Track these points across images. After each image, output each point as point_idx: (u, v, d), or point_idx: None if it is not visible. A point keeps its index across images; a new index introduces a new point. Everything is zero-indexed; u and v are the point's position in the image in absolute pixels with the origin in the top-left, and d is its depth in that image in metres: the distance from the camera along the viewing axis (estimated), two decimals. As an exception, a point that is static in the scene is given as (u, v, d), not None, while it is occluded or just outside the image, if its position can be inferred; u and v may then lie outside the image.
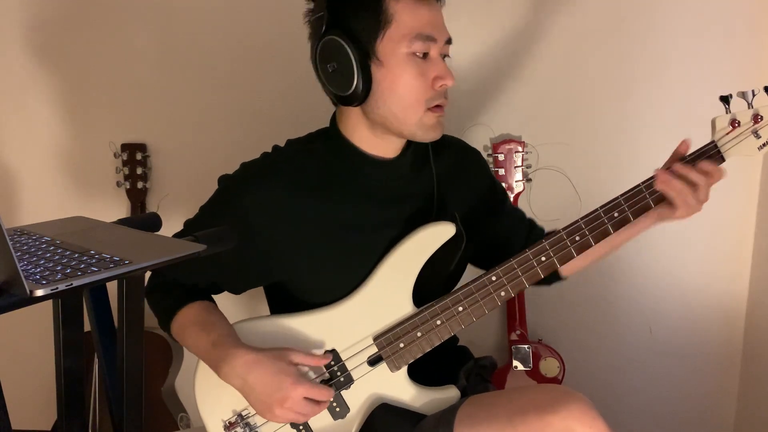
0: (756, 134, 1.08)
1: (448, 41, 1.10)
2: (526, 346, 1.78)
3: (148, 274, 1.14)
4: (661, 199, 1.09)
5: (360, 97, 1.07)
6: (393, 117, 1.09)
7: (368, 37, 1.05)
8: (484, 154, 1.78)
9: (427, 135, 1.10)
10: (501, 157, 1.77)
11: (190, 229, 1.15)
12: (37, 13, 1.87)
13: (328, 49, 1.06)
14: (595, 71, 1.79)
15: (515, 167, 1.77)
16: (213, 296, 1.21)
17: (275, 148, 1.18)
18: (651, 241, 1.84)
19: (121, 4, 1.85)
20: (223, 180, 1.16)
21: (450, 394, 1.15)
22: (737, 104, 1.09)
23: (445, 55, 1.10)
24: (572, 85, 1.80)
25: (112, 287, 0.80)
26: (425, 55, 1.07)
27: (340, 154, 1.14)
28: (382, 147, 1.14)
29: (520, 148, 1.77)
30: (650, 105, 1.78)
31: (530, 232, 1.31)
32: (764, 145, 1.08)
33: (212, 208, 1.15)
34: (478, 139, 1.82)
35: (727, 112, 1.09)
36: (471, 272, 1.20)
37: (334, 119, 1.17)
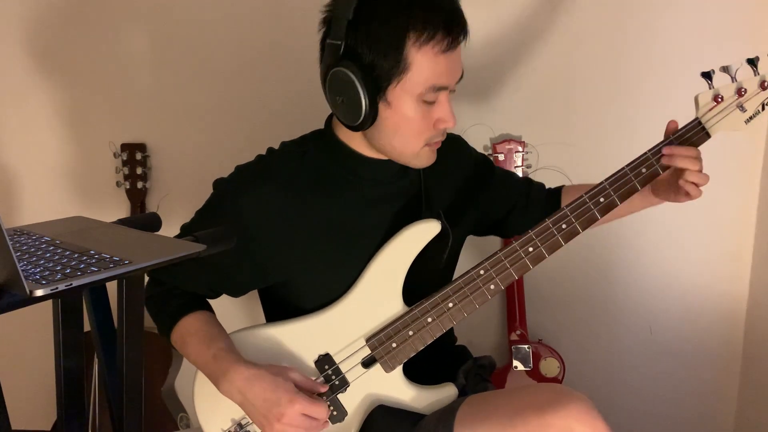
0: (741, 108, 1.06)
1: (462, 77, 1.08)
2: (526, 346, 1.78)
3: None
4: (647, 181, 1.09)
5: (364, 128, 1.07)
6: (391, 148, 1.10)
7: (382, 79, 1.02)
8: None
9: (420, 164, 1.12)
10: (501, 157, 1.77)
11: (186, 234, 1.13)
12: (37, 13, 1.87)
13: (339, 81, 1.03)
14: (596, 71, 1.79)
15: (515, 167, 1.77)
16: (211, 300, 1.21)
17: (269, 150, 1.18)
18: (651, 241, 1.84)
19: (122, 4, 1.85)
20: (218, 183, 1.16)
21: (448, 392, 1.15)
22: (720, 80, 1.07)
23: (452, 91, 1.08)
24: (572, 85, 1.80)
25: (112, 287, 0.80)
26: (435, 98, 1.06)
27: (333, 155, 1.14)
28: (376, 152, 1.14)
29: (520, 148, 1.77)
30: (650, 104, 1.78)
31: (530, 189, 1.35)
32: (751, 118, 1.06)
33: (208, 211, 1.16)
34: (478, 139, 1.82)
35: (710, 88, 1.07)
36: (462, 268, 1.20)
37: (329, 121, 1.17)
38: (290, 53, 1.82)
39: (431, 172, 1.20)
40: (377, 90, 1.03)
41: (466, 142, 1.34)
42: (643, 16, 1.75)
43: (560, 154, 1.81)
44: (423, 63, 1.01)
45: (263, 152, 1.18)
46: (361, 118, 1.04)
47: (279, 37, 1.82)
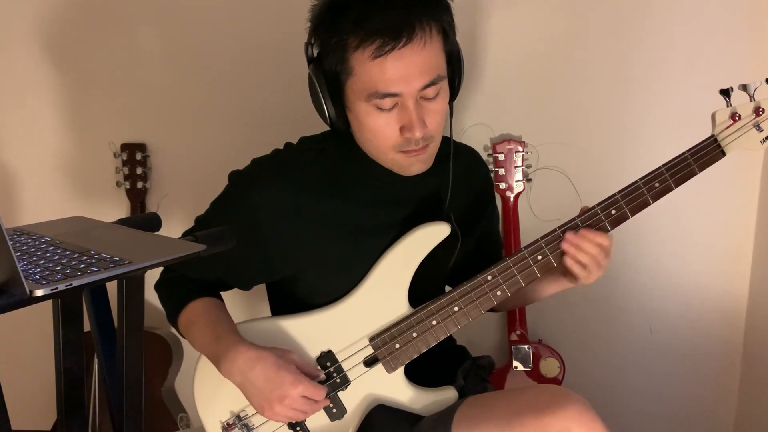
0: (758, 127, 1.05)
1: (431, 84, 1.01)
2: (526, 346, 1.78)
3: (153, 272, 1.15)
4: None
5: (340, 129, 1.09)
6: (369, 153, 1.11)
7: (337, 82, 1.04)
8: (484, 154, 1.80)
9: (403, 171, 1.10)
10: (501, 157, 1.77)
11: (200, 225, 1.17)
12: (37, 13, 1.87)
13: (309, 82, 1.07)
14: (595, 71, 1.79)
15: (515, 167, 1.77)
16: (222, 293, 1.21)
17: (287, 145, 1.19)
18: (651, 241, 1.84)
19: (122, 4, 1.85)
20: (233, 176, 1.16)
21: (448, 395, 1.15)
22: (738, 98, 1.06)
23: (425, 98, 1.03)
24: (572, 85, 1.80)
25: (112, 287, 0.80)
26: (394, 105, 1.02)
27: (348, 153, 1.14)
28: None
29: (520, 148, 1.77)
30: (650, 104, 1.78)
31: (496, 247, 1.34)
32: (767, 138, 1.05)
33: (222, 203, 1.17)
34: (478, 139, 1.82)
35: (727, 106, 1.06)
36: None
37: None
38: (292, 54, 1.81)
39: (447, 180, 1.19)
40: (336, 93, 1.05)
41: (483, 161, 1.33)
42: (644, 15, 1.75)
43: (560, 154, 1.81)
44: (361, 67, 1.00)
45: (262, 153, 1.18)
46: (328, 119, 1.07)
47: (280, 37, 1.82)
